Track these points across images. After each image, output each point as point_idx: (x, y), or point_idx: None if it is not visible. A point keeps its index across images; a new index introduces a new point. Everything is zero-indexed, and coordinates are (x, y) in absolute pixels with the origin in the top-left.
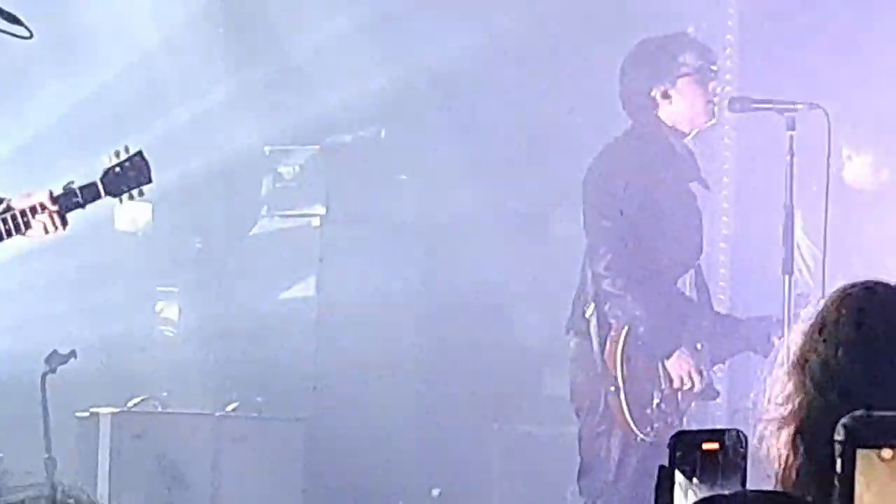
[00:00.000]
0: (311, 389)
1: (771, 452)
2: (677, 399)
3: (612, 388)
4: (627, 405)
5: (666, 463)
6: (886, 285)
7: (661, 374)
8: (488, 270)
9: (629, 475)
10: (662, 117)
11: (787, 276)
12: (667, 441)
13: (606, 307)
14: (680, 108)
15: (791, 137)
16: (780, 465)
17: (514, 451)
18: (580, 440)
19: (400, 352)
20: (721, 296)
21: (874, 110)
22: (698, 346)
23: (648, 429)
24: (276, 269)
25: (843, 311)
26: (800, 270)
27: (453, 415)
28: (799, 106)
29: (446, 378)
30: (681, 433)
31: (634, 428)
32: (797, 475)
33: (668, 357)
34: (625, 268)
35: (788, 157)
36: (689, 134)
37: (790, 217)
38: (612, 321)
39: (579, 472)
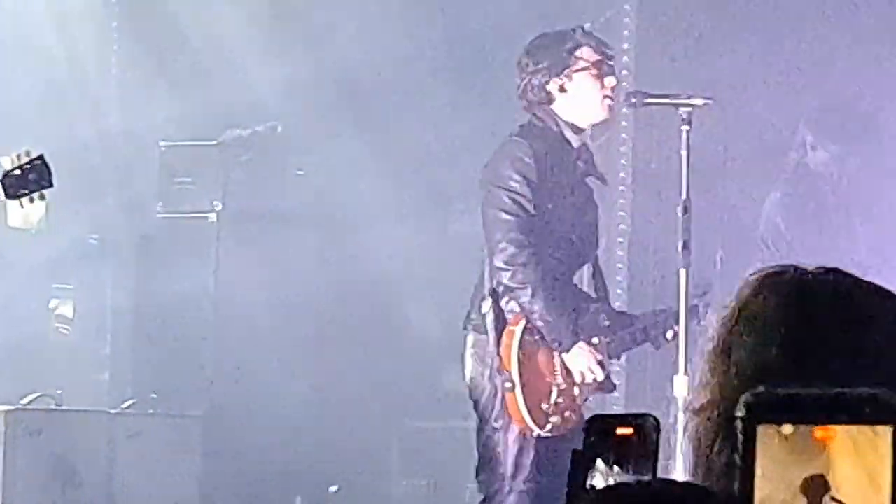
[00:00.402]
0: (207, 386)
1: (692, 440)
2: (575, 393)
3: (508, 384)
4: (524, 401)
5: (579, 448)
6: (805, 270)
7: (560, 368)
8: (387, 266)
9: (527, 470)
10: (558, 111)
11: (684, 270)
12: (565, 434)
13: (504, 301)
14: (576, 102)
15: (687, 133)
16: (700, 452)
17: (413, 447)
18: (478, 436)
19: (297, 347)
20: (619, 290)
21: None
22: (595, 340)
23: (545, 424)
24: (172, 265)
25: (767, 298)
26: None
27: (351, 410)
28: (695, 101)
29: (344, 373)
30: (595, 417)
31: (531, 423)
32: (720, 462)
33: (568, 351)
34: (524, 262)
35: (684, 152)
36: (585, 128)
37: (687, 211)
38: (509, 316)
39: (477, 467)
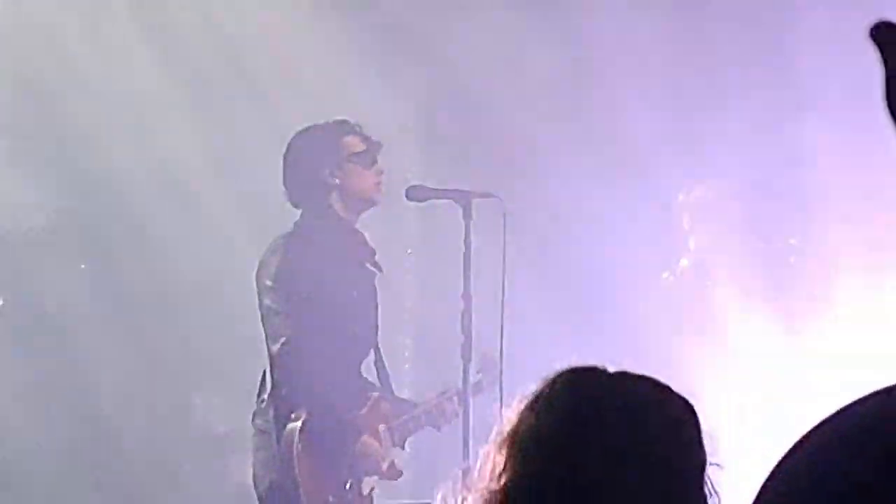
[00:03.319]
0: None
1: None
2: (361, 485)
3: (290, 482)
4: (306, 499)
5: None
6: (605, 371)
7: (343, 463)
8: (175, 356)
9: None
10: (331, 201)
11: (465, 363)
12: None
13: (284, 397)
14: (348, 190)
15: (468, 226)
16: None
17: None
18: None
19: (78, 431)
20: (406, 377)
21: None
22: (380, 428)
23: None
24: None
25: (557, 386)
26: None
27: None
28: (476, 195)
29: (129, 463)
30: None
31: None
32: None
33: (351, 448)
34: (306, 359)
35: (464, 247)
36: (358, 216)
37: (468, 304)
38: (292, 411)
39: None
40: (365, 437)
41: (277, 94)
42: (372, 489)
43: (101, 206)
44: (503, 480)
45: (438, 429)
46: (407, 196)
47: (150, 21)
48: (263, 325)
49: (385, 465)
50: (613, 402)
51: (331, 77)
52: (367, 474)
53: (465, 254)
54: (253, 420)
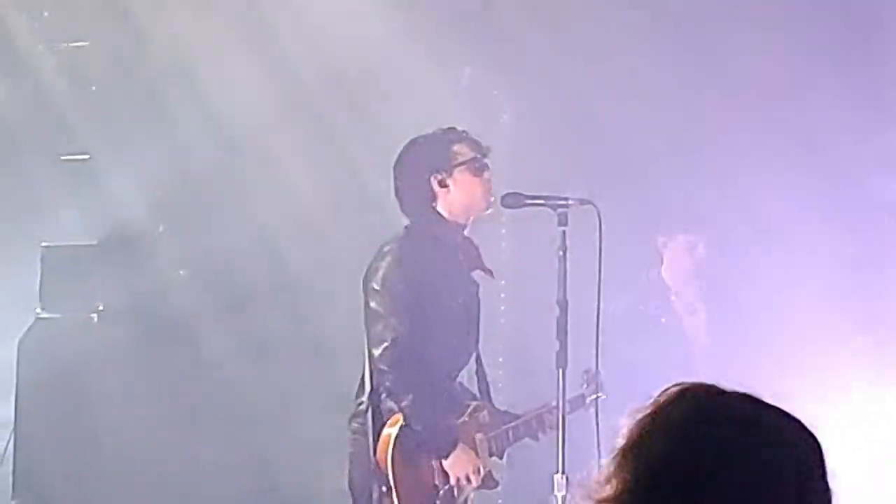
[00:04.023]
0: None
1: None
2: (454, 494)
3: (384, 489)
4: (399, 502)
5: None
6: (723, 390)
7: (438, 469)
8: (273, 356)
9: None
10: (441, 208)
11: (560, 370)
12: None
13: (384, 400)
14: (458, 196)
15: (563, 233)
16: None
17: None
18: None
19: (175, 443)
20: (500, 384)
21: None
22: (478, 437)
23: None
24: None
25: (675, 404)
26: None
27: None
28: (570, 202)
29: (224, 470)
30: None
31: None
32: None
33: (447, 456)
34: (408, 366)
35: (560, 253)
36: (467, 223)
37: (564, 311)
38: (387, 416)
39: None
40: (462, 445)
41: (379, 104)
42: (466, 498)
43: (202, 210)
44: (615, 492)
45: (536, 440)
46: (502, 203)
47: (256, 35)
48: (366, 328)
49: (481, 475)
50: (740, 430)
51: (424, 84)
52: (462, 482)
53: (560, 261)
54: (350, 422)
